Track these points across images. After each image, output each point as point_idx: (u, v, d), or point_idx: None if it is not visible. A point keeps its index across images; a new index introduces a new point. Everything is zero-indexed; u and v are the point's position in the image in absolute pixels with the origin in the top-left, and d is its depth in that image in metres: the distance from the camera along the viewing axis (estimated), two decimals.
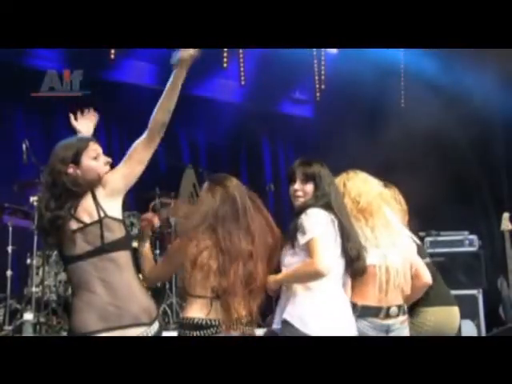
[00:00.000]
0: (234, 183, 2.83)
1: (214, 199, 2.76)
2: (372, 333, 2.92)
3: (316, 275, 2.70)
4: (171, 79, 2.53)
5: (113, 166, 2.61)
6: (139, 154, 2.55)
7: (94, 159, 2.57)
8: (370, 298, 2.96)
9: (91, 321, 2.42)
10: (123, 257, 2.50)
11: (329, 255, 2.72)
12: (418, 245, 3.46)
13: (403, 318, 3.06)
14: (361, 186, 3.11)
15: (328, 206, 2.83)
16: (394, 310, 2.99)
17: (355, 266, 2.83)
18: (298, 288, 2.77)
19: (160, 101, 2.55)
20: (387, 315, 2.97)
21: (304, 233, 2.75)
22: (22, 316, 4.77)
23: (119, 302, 2.44)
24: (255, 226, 2.76)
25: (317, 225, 2.76)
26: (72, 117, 3.09)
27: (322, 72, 7.67)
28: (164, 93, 2.54)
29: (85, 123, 3.09)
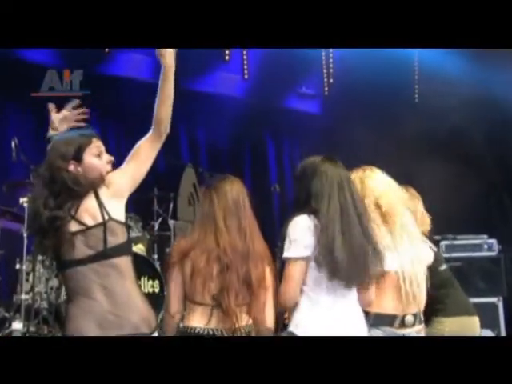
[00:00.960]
0: (233, 185, 2.80)
1: (207, 204, 2.76)
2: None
3: (282, 307, 2.74)
4: (161, 74, 2.57)
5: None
6: (146, 154, 2.56)
7: (97, 157, 2.53)
8: (384, 305, 2.91)
9: (89, 329, 2.40)
10: (125, 263, 2.49)
11: (296, 283, 2.68)
12: (434, 252, 3.42)
13: (419, 327, 3.01)
14: (382, 187, 3.03)
15: (316, 211, 2.71)
16: (409, 318, 2.94)
17: (337, 277, 2.69)
18: (302, 300, 2.72)
19: (158, 98, 2.57)
20: (402, 324, 2.93)
21: (284, 249, 2.72)
22: (10, 325, 4.75)
23: (119, 311, 2.42)
24: (246, 223, 2.73)
25: (292, 243, 2.68)
26: (54, 109, 2.93)
27: (331, 65, 7.64)
28: (159, 89, 2.57)
29: (65, 122, 2.93)
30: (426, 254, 3.14)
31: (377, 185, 3.03)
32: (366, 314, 2.83)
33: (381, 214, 2.97)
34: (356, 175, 3.04)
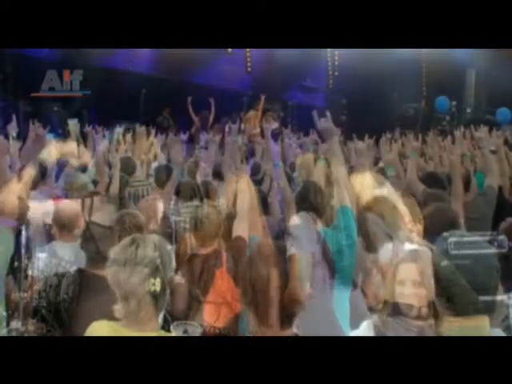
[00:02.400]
0: (240, 182, 2.90)
1: (215, 202, 2.80)
2: (404, 334, 2.93)
3: (296, 305, 2.67)
4: None
5: None
6: None
7: None
8: (401, 295, 2.98)
9: (103, 324, 2.46)
10: None
11: (303, 280, 2.66)
12: (431, 249, 3.49)
13: (432, 321, 3.07)
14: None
15: (315, 208, 2.77)
16: (424, 310, 3.00)
17: (340, 275, 2.77)
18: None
19: None
20: (419, 315, 2.99)
21: (287, 247, 2.75)
22: (8, 324, 4.78)
23: (135, 315, 2.47)
24: (254, 221, 2.81)
25: (295, 240, 2.70)
26: None
27: (336, 58, 7.66)
28: None
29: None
30: (425, 252, 3.23)
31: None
32: (384, 302, 2.88)
33: (401, 217, 3.06)
34: (360, 178, 3.11)
